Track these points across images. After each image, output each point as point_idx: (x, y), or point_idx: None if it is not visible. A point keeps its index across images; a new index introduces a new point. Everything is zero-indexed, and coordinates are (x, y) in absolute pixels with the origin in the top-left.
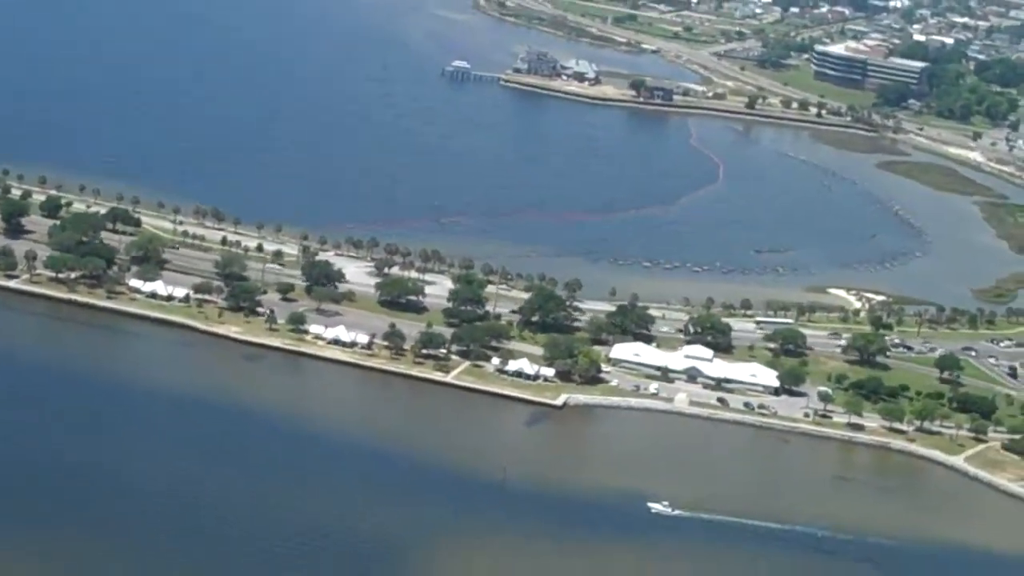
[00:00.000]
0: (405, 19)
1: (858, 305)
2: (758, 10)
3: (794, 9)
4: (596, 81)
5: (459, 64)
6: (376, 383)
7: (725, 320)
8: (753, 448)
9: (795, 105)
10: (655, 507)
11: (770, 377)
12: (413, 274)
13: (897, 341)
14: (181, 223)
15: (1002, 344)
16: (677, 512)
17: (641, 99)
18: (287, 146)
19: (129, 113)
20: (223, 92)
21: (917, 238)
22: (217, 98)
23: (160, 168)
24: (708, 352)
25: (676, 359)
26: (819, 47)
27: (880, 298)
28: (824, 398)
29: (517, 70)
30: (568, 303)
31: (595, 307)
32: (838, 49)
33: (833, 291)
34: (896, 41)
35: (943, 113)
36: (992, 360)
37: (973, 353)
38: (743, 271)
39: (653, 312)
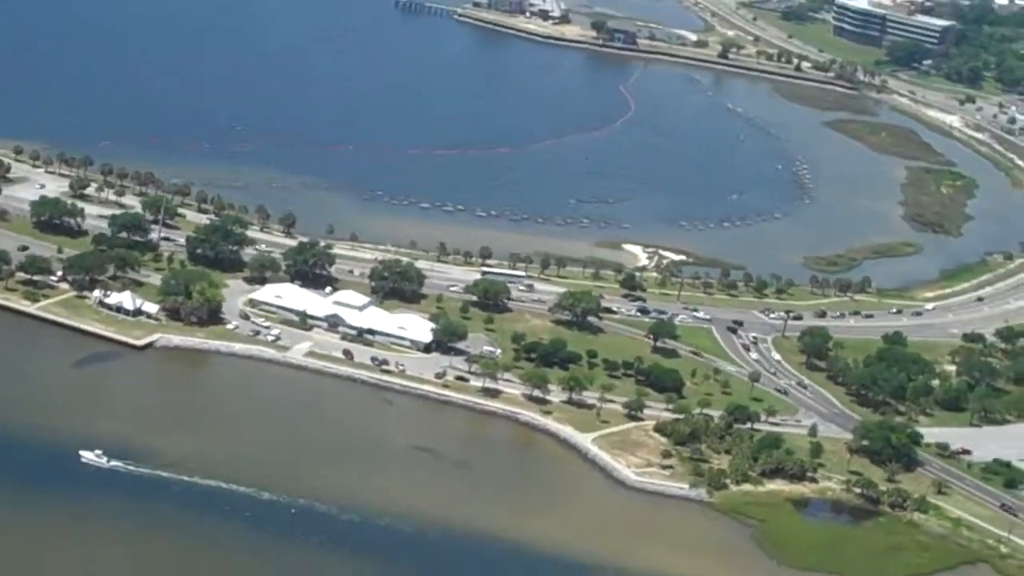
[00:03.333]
0: None
1: (643, 263)
2: None
3: None
4: (563, 20)
5: None
6: None
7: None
8: (339, 407)
9: (775, 57)
10: (86, 456)
11: (423, 331)
12: (111, 196)
13: (646, 305)
14: None
15: (771, 315)
16: (112, 464)
17: (600, 41)
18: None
19: None
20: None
21: (794, 199)
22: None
23: None
24: (360, 299)
25: (321, 304)
26: (840, 0)
27: (678, 258)
28: (471, 359)
29: (476, 4)
30: (240, 236)
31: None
32: (860, 3)
33: (628, 247)
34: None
35: (951, 76)
36: (698, 314)
37: (701, 314)
38: (539, 220)
39: (366, 255)
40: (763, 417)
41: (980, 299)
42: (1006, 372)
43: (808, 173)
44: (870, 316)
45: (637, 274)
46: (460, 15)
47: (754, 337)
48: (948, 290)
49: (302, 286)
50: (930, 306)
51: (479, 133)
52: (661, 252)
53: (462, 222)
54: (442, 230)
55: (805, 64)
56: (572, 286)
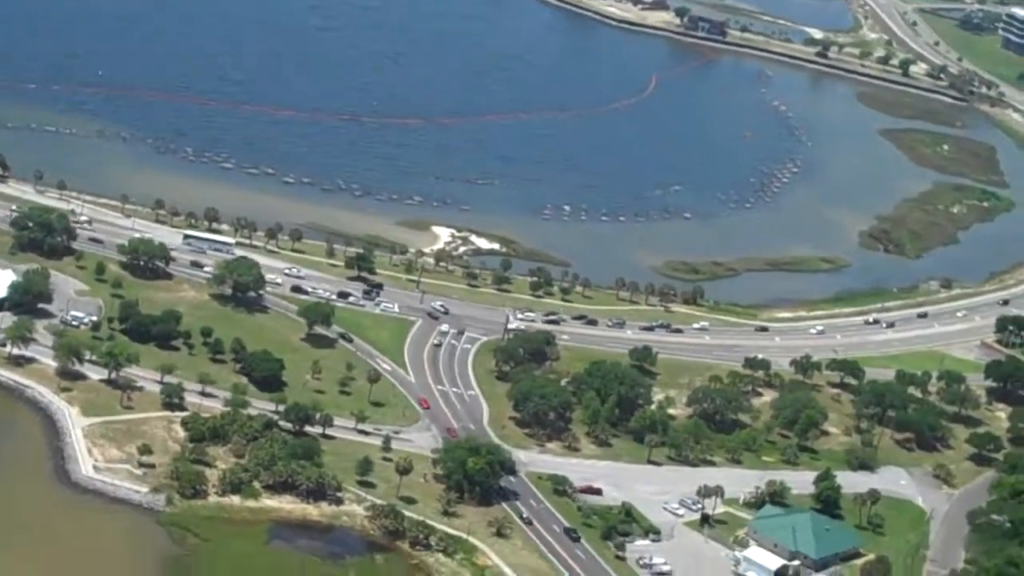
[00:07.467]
0: None
1: (439, 247)
2: None
3: None
4: (657, 5)
5: None
6: None
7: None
8: None
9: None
10: None
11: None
12: None
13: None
14: None
15: (519, 315)
16: None
17: (682, 29)
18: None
19: None
20: None
21: (735, 202)
22: None
23: None
24: None
25: None
26: (1010, 11)
27: (490, 246)
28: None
29: None
30: None
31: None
32: None
33: (436, 229)
34: None
35: None
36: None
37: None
38: (357, 192)
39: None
40: (355, 424)
41: (764, 328)
42: (762, 408)
43: (787, 178)
44: (649, 328)
45: (370, 255)
46: None
47: (443, 332)
48: (817, 312)
49: None
50: (697, 325)
51: (421, 105)
52: (473, 238)
53: (254, 187)
54: (215, 192)
55: (917, 70)
56: (300, 261)
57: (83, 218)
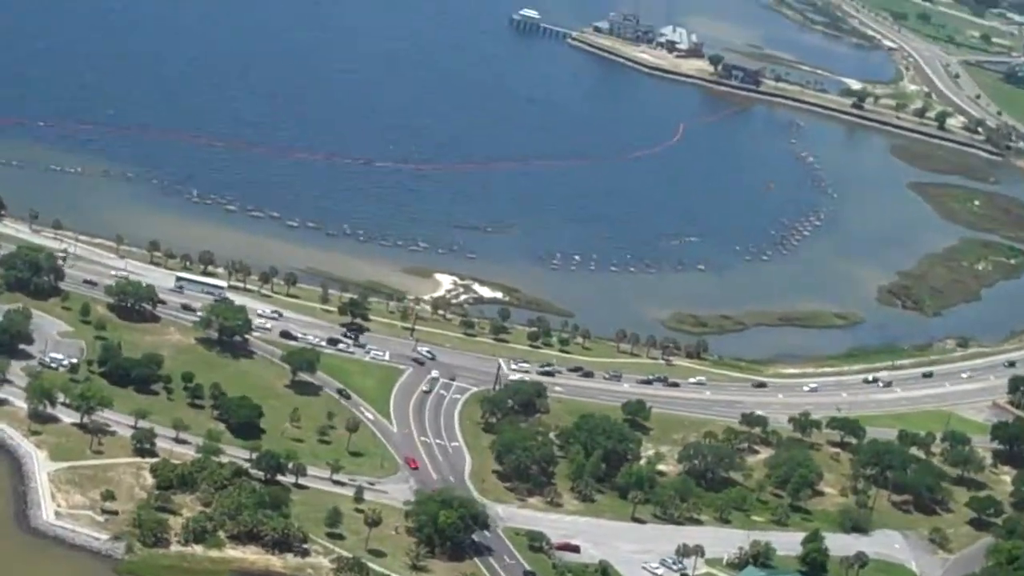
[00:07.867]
0: None
1: (439, 294)
2: None
3: None
4: (692, 53)
5: (527, 13)
6: None
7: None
8: None
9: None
10: None
11: None
12: None
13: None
14: None
15: (513, 366)
16: None
17: (715, 78)
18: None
19: None
20: None
21: (749, 254)
22: None
23: None
24: None
25: None
26: None
27: (493, 294)
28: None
29: (597, 29)
30: None
31: None
32: None
33: (439, 276)
34: None
35: None
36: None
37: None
38: (362, 238)
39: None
40: (330, 474)
41: (762, 384)
42: (756, 466)
43: (809, 231)
44: (647, 382)
45: (364, 302)
46: (574, 39)
47: (433, 379)
48: (825, 369)
49: None
50: (694, 379)
51: (439, 149)
52: (475, 286)
53: (257, 230)
54: (216, 234)
55: (954, 123)
56: (294, 307)
57: (62, 255)
